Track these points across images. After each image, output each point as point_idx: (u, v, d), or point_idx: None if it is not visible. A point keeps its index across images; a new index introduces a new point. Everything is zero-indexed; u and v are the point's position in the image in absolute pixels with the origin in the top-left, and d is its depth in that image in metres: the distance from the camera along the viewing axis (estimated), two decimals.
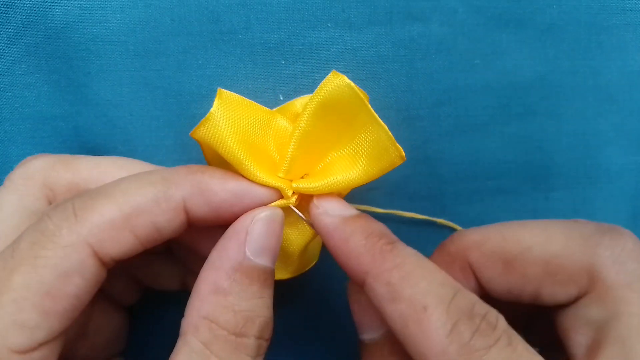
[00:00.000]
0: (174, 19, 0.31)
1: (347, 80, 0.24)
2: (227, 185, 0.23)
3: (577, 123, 0.34)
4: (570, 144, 0.34)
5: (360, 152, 0.25)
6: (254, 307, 0.22)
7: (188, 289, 0.29)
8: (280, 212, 0.24)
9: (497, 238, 0.26)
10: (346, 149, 0.25)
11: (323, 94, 0.24)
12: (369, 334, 0.25)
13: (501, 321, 0.21)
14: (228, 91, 0.25)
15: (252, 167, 0.24)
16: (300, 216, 0.26)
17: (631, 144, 0.35)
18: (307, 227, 0.26)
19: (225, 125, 0.23)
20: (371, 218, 0.24)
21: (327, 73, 0.32)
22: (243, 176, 0.24)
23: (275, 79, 0.32)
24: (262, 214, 0.23)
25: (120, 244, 0.22)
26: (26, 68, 0.31)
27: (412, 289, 0.21)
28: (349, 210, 0.25)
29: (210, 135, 0.23)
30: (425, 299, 0.21)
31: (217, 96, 0.24)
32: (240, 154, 0.23)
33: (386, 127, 0.24)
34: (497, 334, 0.21)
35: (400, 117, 0.33)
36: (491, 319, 0.21)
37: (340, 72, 0.32)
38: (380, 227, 0.24)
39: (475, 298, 0.22)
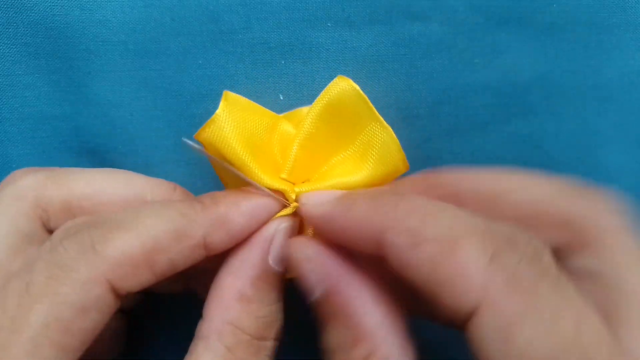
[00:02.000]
0: (174, 19, 0.31)
1: (353, 84, 0.24)
2: (242, 209, 0.23)
3: (577, 122, 0.34)
4: (570, 143, 0.34)
5: (365, 155, 0.25)
6: (272, 312, 0.23)
7: (190, 291, 0.30)
8: (295, 221, 0.25)
9: (474, 178, 0.24)
10: (350, 152, 0.25)
11: (328, 97, 0.24)
12: (319, 289, 0.22)
13: (547, 252, 0.19)
14: (234, 94, 0.25)
15: (255, 169, 0.24)
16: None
17: (631, 143, 0.35)
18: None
19: (229, 127, 0.23)
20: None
21: (327, 72, 0.32)
22: (248, 182, 0.24)
23: (276, 79, 0.32)
24: (283, 224, 0.24)
25: (137, 280, 0.21)
26: (26, 68, 0.31)
27: (436, 226, 0.19)
28: (337, 192, 0.24)
29: (214, 136, 0.23)
30: (454, 232, 0.18)
31: (222, 98, 0.24)
32: (245, 157, 0.24)
33: (392, 131, 0.24)
34: (545, 265, 0.18)
35: (400, 116, 0.33)
36: (539, 248, 0.19)
37: (340, 71, 0.32)
38: (377, 188, 0.23)
39: (515, 226, 0.19)
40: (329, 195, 0.23)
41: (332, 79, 0.32)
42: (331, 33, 0.32)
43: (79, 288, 0.20)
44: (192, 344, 0.22)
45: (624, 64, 0.34)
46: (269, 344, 0.23)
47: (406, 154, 0.28)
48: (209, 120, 0.23)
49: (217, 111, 0.23)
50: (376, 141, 0.24)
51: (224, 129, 0.23)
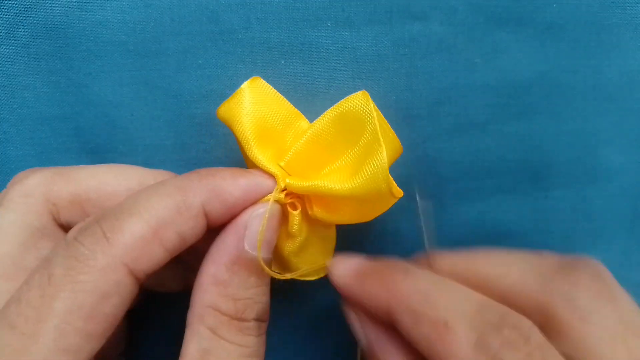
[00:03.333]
0: (174, 19, 0.31)
1: (373, 104, 0.25)
2: (239, 183, 0.24)
3: (576, 122, 0.34)
4: (569, 143, 0.34)
5: (358, 170, 0.25)
6: (252, 295, 0.24)
7: (190, 289, 0.30)
8: (277, 207, 0.25)
9: (463, 265, 0.26)
10: (346, 162, 0.26)
11: (346, 106, 0.25)
12: (361, 342, 0.26)
13: (535, 333, 0.20)
14: (263, 81, 0.26)
15: (256, 149, 0.25)
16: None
17: (631, 143, 0.35)
18: (296, 224, 0.27)
19: (247, 105, 0.25)
20: (378, 259, 0.26)
21: (327, 72, 0.32)
22: (251, 166, 0.25)
23: (276, 79, 0.32)
24: (260, 209, 0.24)
25: (152, 259, 0.22)
26: (26, 69, 0.31)
27: (432, 309, 0.22)
28: (355, 260, 0.26)
29: (230, 111, 0.25)
30: (445, 315, 0.21)
31: (249, 81, 0.25)
32: (250, 135, 0.25)
33: (384, 153, 0.24)
34: (529, 348, 0.20)
35: (400, 116, 0.33)
36: (523, 330, 0.20)
37: (340, 71, 0.32)
38: (388, 262, 0.25)
39: (505, 309, 0.21)
40: (350, 267, 0.26)
41: (332, 79, 0.32)
42: (331, 33, 0.32)
43: (98, 275, 0.21)
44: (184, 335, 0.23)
45: (623, 63, 0.34)
46: (251, 324, 0.24)
47: (406, 154, 0.28)
48: (231, 96, 0.25)
49: (242, 86, 0.25)
50: (369, 157, 0.25)
51: (242, 105, 0.25)
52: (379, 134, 0.24)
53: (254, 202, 0.25)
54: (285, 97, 0.28)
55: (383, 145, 0.24)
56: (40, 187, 0.25)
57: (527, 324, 0.21)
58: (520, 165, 0.35)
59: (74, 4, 0.31)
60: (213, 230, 0.25)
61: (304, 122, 0.27)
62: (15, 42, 0.31)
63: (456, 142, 0.34)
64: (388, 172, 0.24)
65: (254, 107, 0.25)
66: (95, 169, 0.27)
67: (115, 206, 0.23)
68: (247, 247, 0.24)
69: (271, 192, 0.25)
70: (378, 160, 0.24)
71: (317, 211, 0.27)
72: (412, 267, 0.24)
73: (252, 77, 0.26)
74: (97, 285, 0.21)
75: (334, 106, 0.26)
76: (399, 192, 0.25)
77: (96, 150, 0.32)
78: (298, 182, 0.25)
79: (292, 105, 0.27)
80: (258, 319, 0.24)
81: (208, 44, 0.31)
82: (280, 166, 0.26)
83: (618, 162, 0.35)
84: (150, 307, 0.33)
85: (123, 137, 0.32)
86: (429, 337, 0.21)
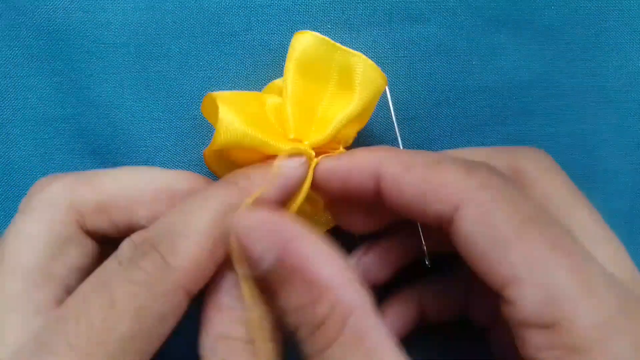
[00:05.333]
0: (176, 21, 0.31)
1: (312, 33, 0.26)
2: (275, 183, 0.25)
3: (575, 123, 0.34)
4: (568, 144, 0.34)
5: (348, 86, 0.27)
6: (260, 315, 0.23)
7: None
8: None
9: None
10: (332, 89, 0.27)
11: (296, 54, 0.26)
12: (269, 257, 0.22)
13: (510, 174, 0.26)
14: (219, 92, 0.26)
15: (276, 143, 0.25)
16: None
17: (629, 144, 0.35)
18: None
19: (237, 121, 0.25)
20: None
21: None
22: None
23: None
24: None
25: (207, 278, 0.23)
26: (28, 70, 0.32)
27: (424, 156, 0.24)
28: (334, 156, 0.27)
29: (230, 136, 0.24)
30: (437, 158, 0.24)
31: (217, 100, 0.25)
32: (263, 137, 0.25)
33: (362, 55, 0.27)
34: (509, 178, 0.23)
35: (399, 117, 0.33)
36: (501, 170, 0.24)
37: None
38: (368, 148, 0.26)
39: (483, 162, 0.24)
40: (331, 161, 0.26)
41: None
42: (331, 35, 0.32)
43: (161, 300, 0.21)
44: None
45: (622, 65, 0.34)
46: (264, 346, 0.23)
47: None
48: (217, 130, 0.24)
49: (220, 115, 0.24)
50: (352, 69, 0.27)
51: (235, 125, 0.24)
52: (336, 44, 0.27)
53: (293, 192, 0.25)
54: None
55: (348, 48, 0.27)
56: (64, 195, 0.25)
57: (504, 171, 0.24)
58: None
59: (77, 6, 0.31)
60: None
61: (269, 97, 0.28)
62: (18, 43, 0.31)
63: (456, 143, 0.34)
64: (370, 62, 0.27)
65: (240, 116, 0.25)
66: (117, 172, 0.26)
67: (167, 225, 0.23)
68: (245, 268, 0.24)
69: (303, 173, 0.26)
70: (354, 59, 0.27)
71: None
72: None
73: (215, 97, 0.25)
74: (158, 309, 0.21)
75: (287, 60, 0.27)
76: (384, 76, 0.27)
77: (98, 152, 0.32)
78: (318, 138, 0.26)
79: (248, 91, 0.29)
80: (270, 340, 0.24)
81: (209, 46, 0.32)
82: (292, 140, 0.26)
83: (616, 163, 0.35)
84: None
85: (124, 138, 0.32)
86: (422, 175, 0.23)
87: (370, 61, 0.27)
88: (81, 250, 0.25)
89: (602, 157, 0.35)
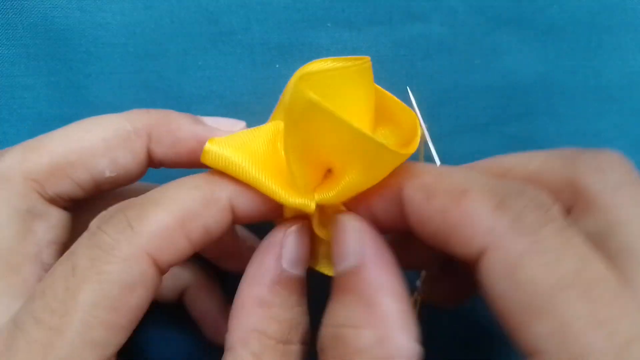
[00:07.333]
0: (174, 21, 0.31)
1: (309, 97, 0.19)
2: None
3: (577, 123, 0.34)
4: (570, 144, 0.34)
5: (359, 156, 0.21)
6: (295, 316, 0.23)
7: (183, 302, 0.31)
8: (305, 223, 0.24)
9: (482, 165, 0.25)
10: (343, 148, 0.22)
11: (294, 115, 0.20)
12: (353, 260, 0.22)
13: (557, 206, 0.19)
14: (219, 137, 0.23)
15: (280, 191, 0.23)
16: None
17: (632, 144, 0.35)
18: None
19: (228, 151, 0.23)
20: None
21: None
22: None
23: (275, 80, 0.32)
24: (293, 227, 0.24)
25: (176, 250, 0.22)
26: (25, 69, 0.31)
27: (447, 182, 0.20)
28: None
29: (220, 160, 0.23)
30: (463, 185, 0.19)
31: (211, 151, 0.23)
32: (272, 185, 0.23)
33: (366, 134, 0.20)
34: (551, 214, 0.18)
35: None
36: (545, 200, 0.19)
37: None
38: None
39: (527, 184, 0.20)
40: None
41: None
42: (331, 33, 0.32)
43: (122, 265, 0.20)
44: (222, 358, 0.22)
45: (624, 64, 0.34)
46: (295, 348, 0.22)
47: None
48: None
49: (205, 147, 0.23)
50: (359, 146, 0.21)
51: (224, 152, 0.23)
52: (336, 116, 0.19)
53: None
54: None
55: (351, 125, 0.19)
56: (15, 168, 0.23)
57: (547, 196, 0.19)
58: None
59: (74, 6, 0.31)
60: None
61: (281, 125, 0.24)
62: (15, 42, 0.31)
63: (457, 143, 0.34)
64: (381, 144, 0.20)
65: (236, 148, 0.23)
66: (64, 130, 0.25)
67: (142, 196, 0.22)
68: (285, 265, 0.23)
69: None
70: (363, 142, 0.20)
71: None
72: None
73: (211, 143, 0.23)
74: (121, 276, 0.20)
75: (285, 115, 0.22)
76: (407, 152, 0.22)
77: None
78: (326, 196, 0.23)
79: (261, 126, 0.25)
80: (302, 342, 0.23)
81: (208, 46, 0.31)
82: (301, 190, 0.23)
83: None
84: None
85: None
86: (443, 208, 0.19)
87: (378, 142, 0.20)
88: (50, 222, 0.24)
89: None
